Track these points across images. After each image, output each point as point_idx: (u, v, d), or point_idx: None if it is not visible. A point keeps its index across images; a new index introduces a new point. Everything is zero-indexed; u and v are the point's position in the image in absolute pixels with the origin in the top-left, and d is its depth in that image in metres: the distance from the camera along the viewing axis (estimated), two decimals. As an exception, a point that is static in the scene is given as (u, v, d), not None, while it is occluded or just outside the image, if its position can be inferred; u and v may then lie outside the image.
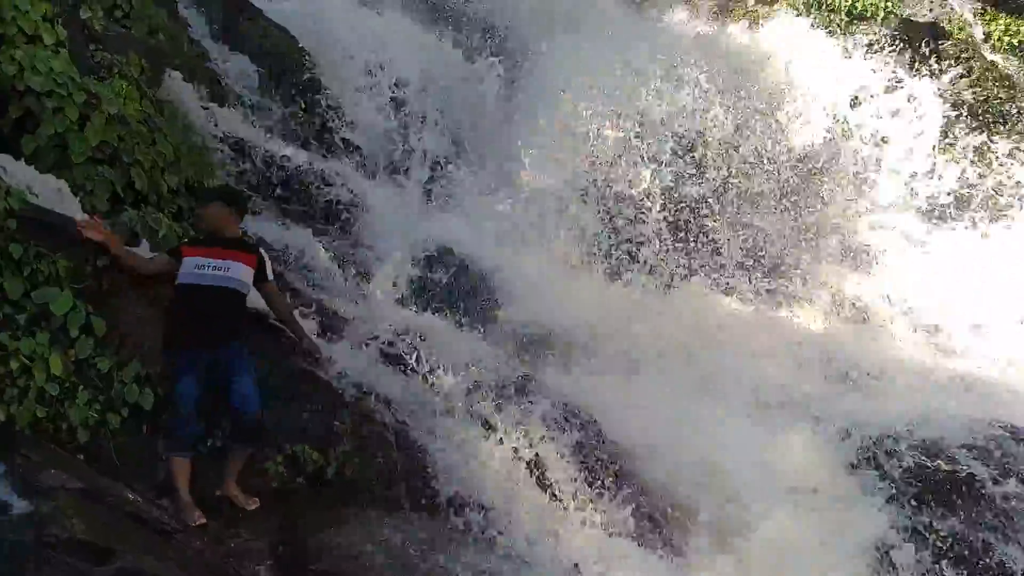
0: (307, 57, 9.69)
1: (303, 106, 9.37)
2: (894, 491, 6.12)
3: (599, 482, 5.73)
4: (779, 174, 9.95)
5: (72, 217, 5.20)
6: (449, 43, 11.12)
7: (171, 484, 4.56)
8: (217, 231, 4.98)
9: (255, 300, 5.22)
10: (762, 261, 9.35)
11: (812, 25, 12.10)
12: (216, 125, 7.94)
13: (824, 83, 10.99)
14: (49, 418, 4.37)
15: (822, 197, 10.29)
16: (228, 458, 4.79)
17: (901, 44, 11.94)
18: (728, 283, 8.93)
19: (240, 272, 4.83)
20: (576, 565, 5.16)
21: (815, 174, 10.35)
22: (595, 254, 8.21)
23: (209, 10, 9.77)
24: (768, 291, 9.11)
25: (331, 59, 9.96)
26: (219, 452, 4.86)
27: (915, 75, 11.63)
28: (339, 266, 7.36)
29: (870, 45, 11.87)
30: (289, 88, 9.41)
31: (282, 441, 5.09)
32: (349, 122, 9.52)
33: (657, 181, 8.72)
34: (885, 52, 11.73)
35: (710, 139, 9.45)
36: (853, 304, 9.45)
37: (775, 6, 12.82)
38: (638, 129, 8.94)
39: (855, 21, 12.52)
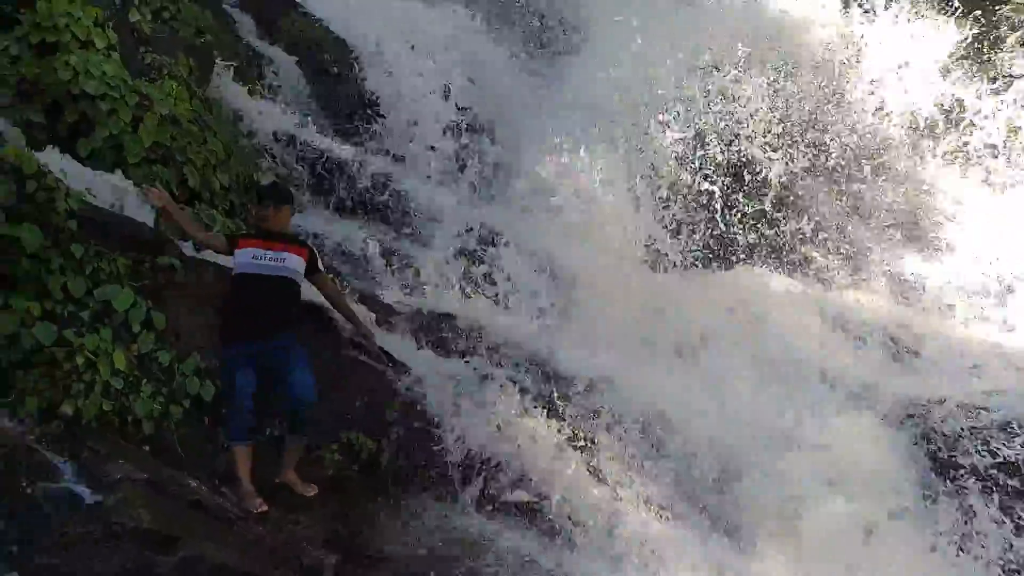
0: (349, 51, 9.77)
1: (346, 100, 9.46)
2: (959, 476, 5.96)
3: (653, 468, 5.71)
4: (836, 153, 9.70)
5: (129, 217, 5.36)
6: (493, 35, 11.08)
7: (232, 473, 4.68)
8: (274, 227, 5.05)
9: (306, 292, 5.31)
10: (820, 241, 9.14)
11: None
12: (263, 121, 8.06)
13: (881, 57, 10.61)
14: (114, 411, 4.51)
15: (881, 176, 10.00)
16: (286, 447, 4.89)
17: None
18: (785, 264, 8.77)
19: (295, 263, 4.92)
20: (630, 551, 5.15)
21: (873, 153, 10.05)
22: (649, 239, 8.11)
23: (253, 8, 9.91)
24: (826, 271, 8.91)
25: (372, 52, 10.02)
26: (277, 441, 4.97)
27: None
28: (385, 257, 7.43)
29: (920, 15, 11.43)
30: (332, 82, 9.51)
31: (336, 430, 5.19)
32: (391, 114, 9.57)
33: (709, 166, 8.58)
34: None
35: (763, 119, 9.24)
36: (914, 285, 9.19)
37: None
38: (687, 114, 8.79)
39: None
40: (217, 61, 7.92)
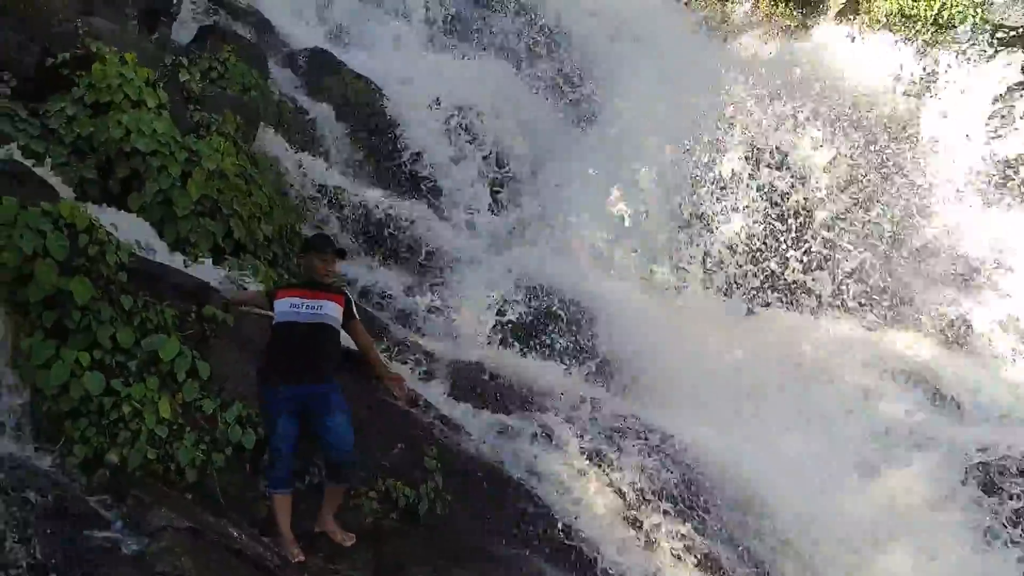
0: (387, 105, 10.04)
1: (384, 152, 9.69)
2: (1020, 523, 5.74)
3: (701, 522, 5.60)
4: (880, 194, 9.62)
5: (175, 268, 5.52)
6: (525, 79, 11.30)
7: (273, 521, 4.69)
8: (321, 277, 5.12)
9: (345, 339, 5.36)
10: (865, 283, 9.01)
11: (896, 41, 11.65)
12: (305, 174, 8.29)
13: (919, 96, 10.60)
14: (159, 459, 4.57)
15: (926, 216, 9.88)
16: (325, 494, 4.90)
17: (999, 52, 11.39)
18: (831, 307, 8.65)
19: (332, 309, 4.99)
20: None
21: (918, 191, 9.95)
22: (685, 283, 8.09)
23: (296, 66, 10.27)
24: (872, 314, 8.77)
25: (409, 104, 10.28)
26: (317, 489, 4.99)
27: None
28: (424, 305, 7.51)
29: (964, 53, 11.39)
30: (371, 135, 9.76)
31: (375, 477, 5.19)
32: (428, 163, 9.77)
33: (747, 208, 8.56)
34: (984, 61, 11.21)
35: (801, 161, 9.23)
36: (962, 328, 8.99)
37: (856, 18, 12.43)
38: (723, 157, 8.84)
39: (943, 29, 12.02)
40: (262, 117, 8.18)
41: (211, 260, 6.04)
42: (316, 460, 5.03)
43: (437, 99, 10.23)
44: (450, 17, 12.40)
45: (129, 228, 5.64)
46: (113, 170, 6.04)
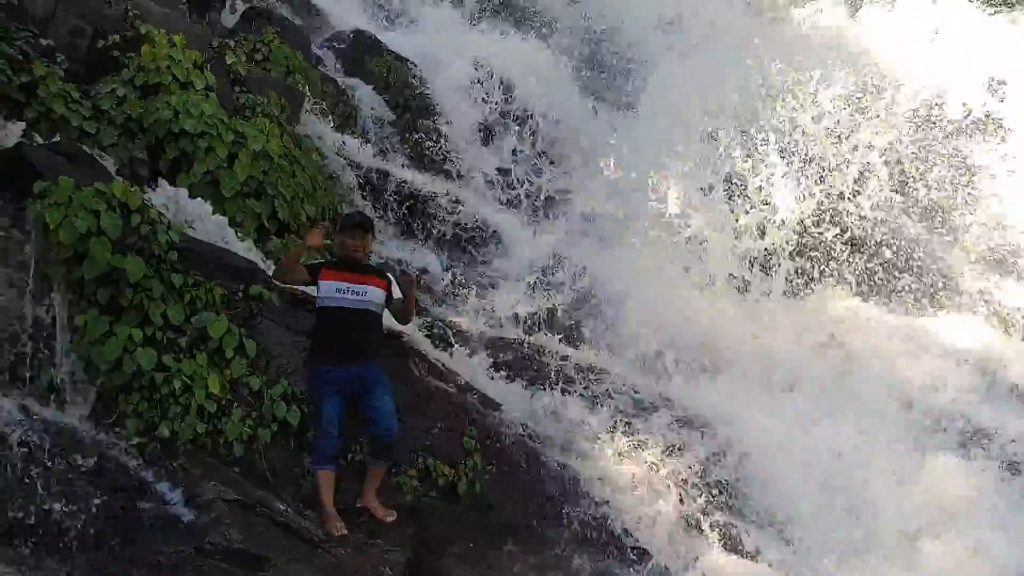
0: (428, 86, 10.08)
1: (424, 132, 9.75)
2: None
3: (738, 506, 5.61)
4: (924, 175, 9.41)
5: (224, 247, 5.64)
6: (565, 61, 11.24)
7: (316, 496, 4.81)
8: (358, 255, 5.19)
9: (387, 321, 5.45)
10: (909, 266, 8.83)
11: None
12: (346, 154, 8.37)
13: (973, 71, 10.23)
14: (207, 433, 4.72)
15: (972, 197, 9.63)
16: (368, 472, 5.01)
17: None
18: (872, 291, 8.51)
19: (376, 295, 5.07)
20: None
21: (964, 172, 9.70)
22: (727, 270, 8.02)
23: (337, 48, 10.34)
24: (916, 299, 8.60)
25: (450, 85, 10.31)
26: (359, 466, 5.09)
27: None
28: (464, 285, 7.57)
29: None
30: (411, 115, 9.81)
31: (414, 456, 5.29)
32: (467, 144, 9.80)
33: (790, 190, 8.43)
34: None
35: (845, 141, 9.05)
36: (1017, 314, 8.75)
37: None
38: (760, 139, 8.70)
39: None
40: (306, 99, 8.27)
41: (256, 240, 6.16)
42: (359, 438, 5.14)
43: (479, 80, 10.23)
44: (493, -2, 12.41)
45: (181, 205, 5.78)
46: (162, 151, 6.16)
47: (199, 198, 5.98)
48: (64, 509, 4.06)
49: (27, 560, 3.86)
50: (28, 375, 4.54)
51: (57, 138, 5.71)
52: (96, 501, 4.15)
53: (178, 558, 4.01)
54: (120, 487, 4.25)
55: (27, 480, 4.05)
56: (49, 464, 4.17)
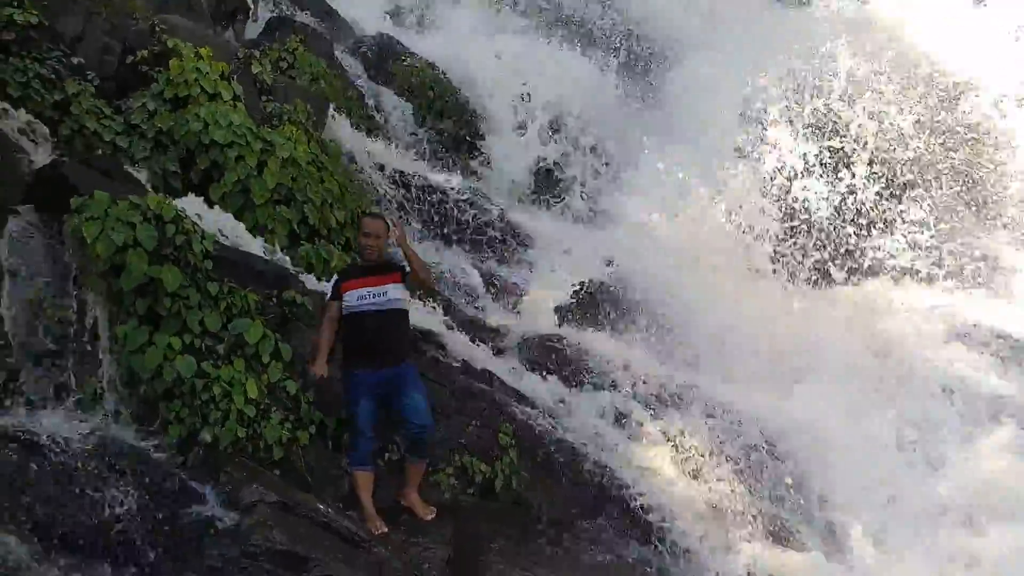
0: (453, 88, 10.12)
1: (451, 134, 9.79)
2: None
3: (775, 496, 5.57)
4: (950, 153, 9.24)
5: (256, 255, 5.72)
6: (590, 58, 11.21)
7: (356, 497, 4.87)
8: (371, 258, 5.20)
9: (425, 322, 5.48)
10: (938, 245, 8.68)
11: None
12: (373, 159, 8.44)
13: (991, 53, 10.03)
14: (248, 438, 4.78)
15: (1011, 177, 9.42)
16: (407, 470, 5.06)
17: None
18: (903, 270, 8.38)
19: (396, 292, 5.10)
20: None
21: (988, 146, 9.50)
22: (766, 261, 7.95)
23: (361, 53, 10.42)
24: (947, 276, 8.45)
25: (475, 87, 10.33)
26: (397, 466, 5.14)
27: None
28: (492, 283, 7.60)
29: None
30: (438, 118, 9.86)
31: (451, 454, 5.32)
32: (494, 145, 9.82)
33: (820, 176, 8.33)
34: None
35: (878, 126, 8.91)
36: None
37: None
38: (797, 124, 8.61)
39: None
40: (331, 105, 8.35)
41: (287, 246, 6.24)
42: (395, 438, 5.18)
43: (504, 82, 10.24)
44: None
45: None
46: (194, 162, 6.27)
47: (223, 208, 6.07)
48: (111, 516, 4.14)
49: (78, 568, 3.95)
50: (72, 385, 4.64)
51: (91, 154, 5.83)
52: (142, 508, 4.24)
53: (224, 561, 4.08)
54: (164, 493, 4.33)
55: (74, 489, 4.14)
56: (95, 473, 4.26)
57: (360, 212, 7.28)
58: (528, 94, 10.26)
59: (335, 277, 5.28)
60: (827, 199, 8.30)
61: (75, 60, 6.30)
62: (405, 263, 5.15)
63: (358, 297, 5.02)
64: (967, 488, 5.90)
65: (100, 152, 5.95)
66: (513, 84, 10.28)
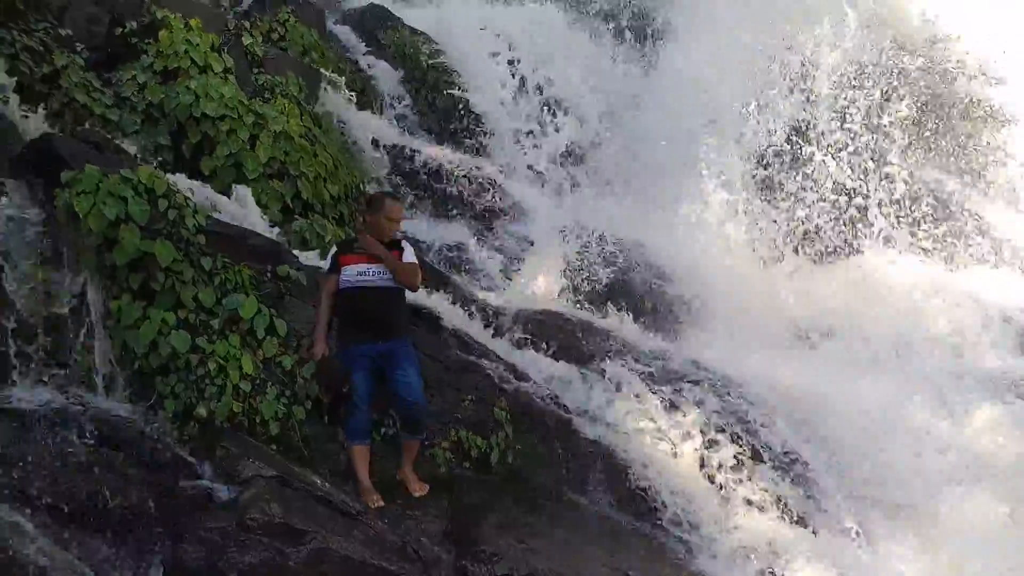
0: (445, 58, 10.00)
1: (444, 106, 9.70)
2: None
3: (774, 469, 5.60)
4: (945, 119, 9.22)
5: (250, 229, 5.68)
6: (584, 29, 11.09)
7: (352, 470, 4.89)
8: (382, 234, 5.17)
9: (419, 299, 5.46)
10: (931, 212, 8.70)
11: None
12: (366, 131, 8.37)
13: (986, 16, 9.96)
14: (243, 412, 4.78)
15: (1010, 152, 9.41)
16: (403, 447, 5.07)
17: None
18: (896, 239, 8.39)
19: None
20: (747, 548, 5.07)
21: (1001, 127, 9.48)
22: (759, 233, 7.94)
23: (354, 24, 10.29)
24: (940, 244, 8.47)
25: (468, 57, 10.21)
26: (393, 440, 5.16)
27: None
28: (488, 258, 7.57)
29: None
30: (430, 89, 9.76)
31: (447, 428, 5.33)
32: (487, 116, 9.72)
33: (825, 150, 8.30)
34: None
35: (881, 100, 8.87)
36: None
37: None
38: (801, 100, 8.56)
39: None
40: (323, 77, 8.26)
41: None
42: (391, 413, 5.19)
43: (496, 51, 10.13)
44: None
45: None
46: (184, 135, 6.20)
47: (222, 181, 6.02)
48: (108, 490, 4.15)
49: (75, 539, 3.96)
50: (67, 360, 4.62)
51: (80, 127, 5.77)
52: (138, 482, 4.24)
53: (221, 534, 4.09)
54: (161, 467, 4.34)
55: (71, 463, 4.14)
56: (92, 446, 4.26)
57: (355, 187, 7.24)
58: (518, 59, 10.14)
59: (334, 249, 5.25)
60: (830, 173, 8.28)
61: (62, 31, 6.20)
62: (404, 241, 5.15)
63: (357, 272, 5.00)
64: (964, 454, 5.94)
65: (90, 125, 5.88)
66: (505, 54, 10.16)
